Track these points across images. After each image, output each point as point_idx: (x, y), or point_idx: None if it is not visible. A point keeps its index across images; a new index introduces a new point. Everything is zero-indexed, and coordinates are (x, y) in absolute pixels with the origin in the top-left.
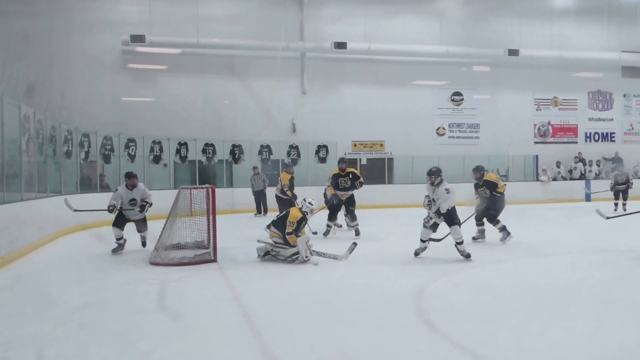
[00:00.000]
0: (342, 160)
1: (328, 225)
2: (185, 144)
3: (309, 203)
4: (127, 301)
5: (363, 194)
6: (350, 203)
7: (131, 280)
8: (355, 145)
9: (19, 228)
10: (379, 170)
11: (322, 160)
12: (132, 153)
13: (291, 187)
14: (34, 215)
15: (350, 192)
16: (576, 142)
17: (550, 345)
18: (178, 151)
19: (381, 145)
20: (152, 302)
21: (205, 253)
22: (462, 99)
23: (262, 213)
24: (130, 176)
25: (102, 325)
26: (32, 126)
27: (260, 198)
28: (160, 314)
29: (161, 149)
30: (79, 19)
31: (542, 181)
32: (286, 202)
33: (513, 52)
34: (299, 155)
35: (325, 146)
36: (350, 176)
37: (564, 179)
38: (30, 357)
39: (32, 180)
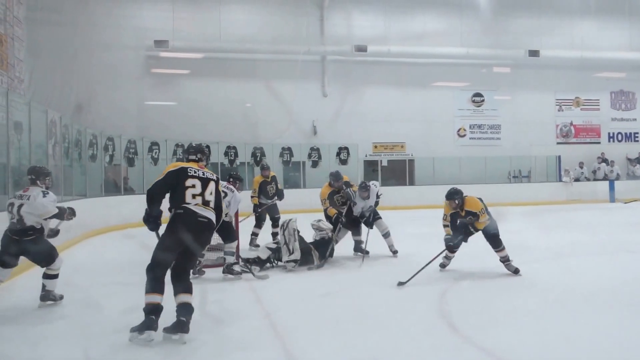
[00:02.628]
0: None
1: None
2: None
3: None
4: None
5: (384, 196)
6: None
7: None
8: (375, 147)
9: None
10: (400, 172)
11: (343, 162)
12: (156, 156)
13: (265, 193)
14: None
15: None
16: (599, 143)
17: (574, 349)
18: None
19: (402, 146)
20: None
21: (219, 257)
22: (483, 100)
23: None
24: None
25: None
26: (59, 130)
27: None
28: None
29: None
30: (104, 25)
31: (565, 182)
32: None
33: (534, 53)
34: (319, 157)
35: (346, 148)
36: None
37: (588, 179)
38: (78, 357)
39: (58, 183)
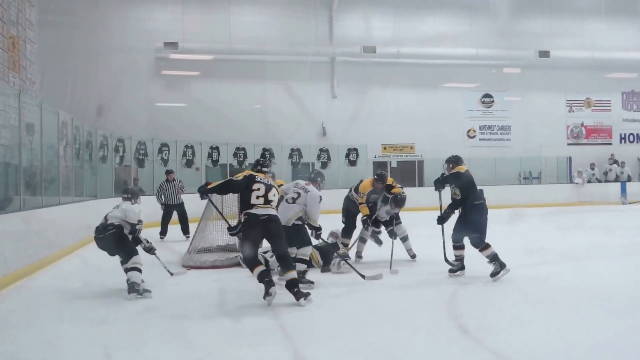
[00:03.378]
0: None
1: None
2: (217, 148)
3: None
4: (156, 304)
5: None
6: None
7: (162, 283)
8: (385, 148)
9: (56, 231)
10: (409, 173)
11: (352, 163)
12: (165, 157)
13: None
14: (71, 219)
15: None
16: (610, 144)
17: (586, 352)
18: (210, 155)
19: (411, 148)
20: (184, 305)
21: (236, 256)
22: (493, 101)
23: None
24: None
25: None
26: (70, 132)
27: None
28: (192, 317)
29: (193, 153)
30: (115, 28)
31: (576, 183)
32: None
33: (544, 54)
34: (329, 158)
35: (356, 149)
36: None
37: (599, 181)
38: (99, 356)
39: (70, 184)
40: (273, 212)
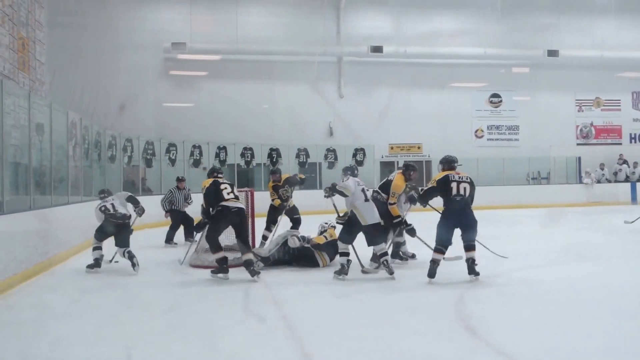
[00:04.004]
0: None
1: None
2: (224, 148)
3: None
4: (160, 305)
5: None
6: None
7: (173, 283)
8: (392, 148)
9: (66, 230)
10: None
11: (359, 163)
12: (173, 157)
13: (280, 196)
14: (81, 218)
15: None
16: (620, 144)
17: (593, 353)
18: (217, 155)
19: (418, 147)
20: (191, 305)
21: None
22: (501, 101)
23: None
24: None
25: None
26: (79, 132)
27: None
28: (196, 316)
29: (201, 153)
30: (123, 28)
31: (586, 184)
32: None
33: (553, 53)
34: (336, 158)
35: (363, 149)
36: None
37: (609, 181)
38: (119, 356)
39: (78, 184)
40: (241, 205)
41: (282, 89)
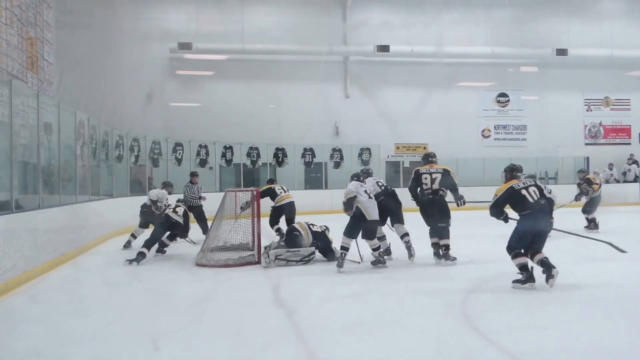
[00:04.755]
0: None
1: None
2: (231, 147)
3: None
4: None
5: (406, 197)
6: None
7: (180, 282)
8: (398, 147)
9: (74, 229)
10: None
11: (365, 163)
12: (180, 157)
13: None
14: (88, 217)
15: None
16: (629, 144)
17: (600, 353)
18: (223, 155)
19: (424, 148)
20: (195, 305)
21: (249, 255)
22: (508, 100)
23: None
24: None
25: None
26: (87, 131)
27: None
28: (202, 316)
29: (207, 153)
30: (130, 28)
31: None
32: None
33: (561, 52)
34: (342, 158)
35: (368, 149)
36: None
37: (617, 181)
38: (126, 353)
39: (86, 183)
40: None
41: (288, 88)
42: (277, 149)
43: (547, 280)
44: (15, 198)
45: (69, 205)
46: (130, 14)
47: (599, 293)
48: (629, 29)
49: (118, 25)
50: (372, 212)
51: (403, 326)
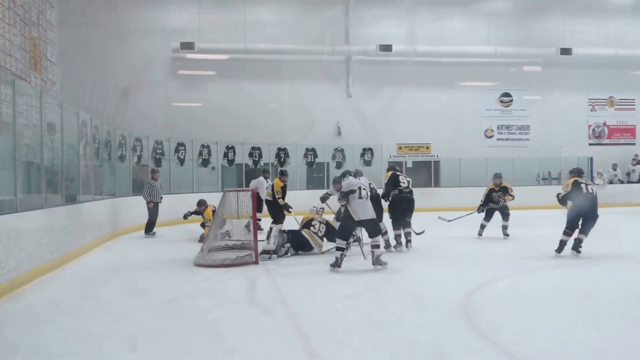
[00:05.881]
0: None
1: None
2: (233, 147)
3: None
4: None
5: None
6: None
7: (182, 281)
8: (400, 148)
9: (77, 228)
10: (425, 173)
11: (368, 163)
12: (182, 157)
13: (283, 195)
14: (91, 216)
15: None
16: (634, 144)
17: (600, 353)
18: (225, 154)
19: (427, 147)
20: (196, 304)
21: (247, 255)
22: (512, 100)
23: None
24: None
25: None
26: (89, 131)
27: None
28: (202, 316)
29: (209, 153)
30: (133, 28)
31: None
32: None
33: (565, 51)
34: (344, 158)
35: (371, 149)
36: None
37: (621, 182)
38: (130, 352)
39: (89, 183)
40: None
41: (290, 88)
42: (279, 149)
43: (572, 248)
44: (19, 198)
45: (72, 205)
46: (132, 14)
47: (599, 293)
48: (634, 28)
49: (120, 25)
50: (361, 212)
51: (404, 326)
